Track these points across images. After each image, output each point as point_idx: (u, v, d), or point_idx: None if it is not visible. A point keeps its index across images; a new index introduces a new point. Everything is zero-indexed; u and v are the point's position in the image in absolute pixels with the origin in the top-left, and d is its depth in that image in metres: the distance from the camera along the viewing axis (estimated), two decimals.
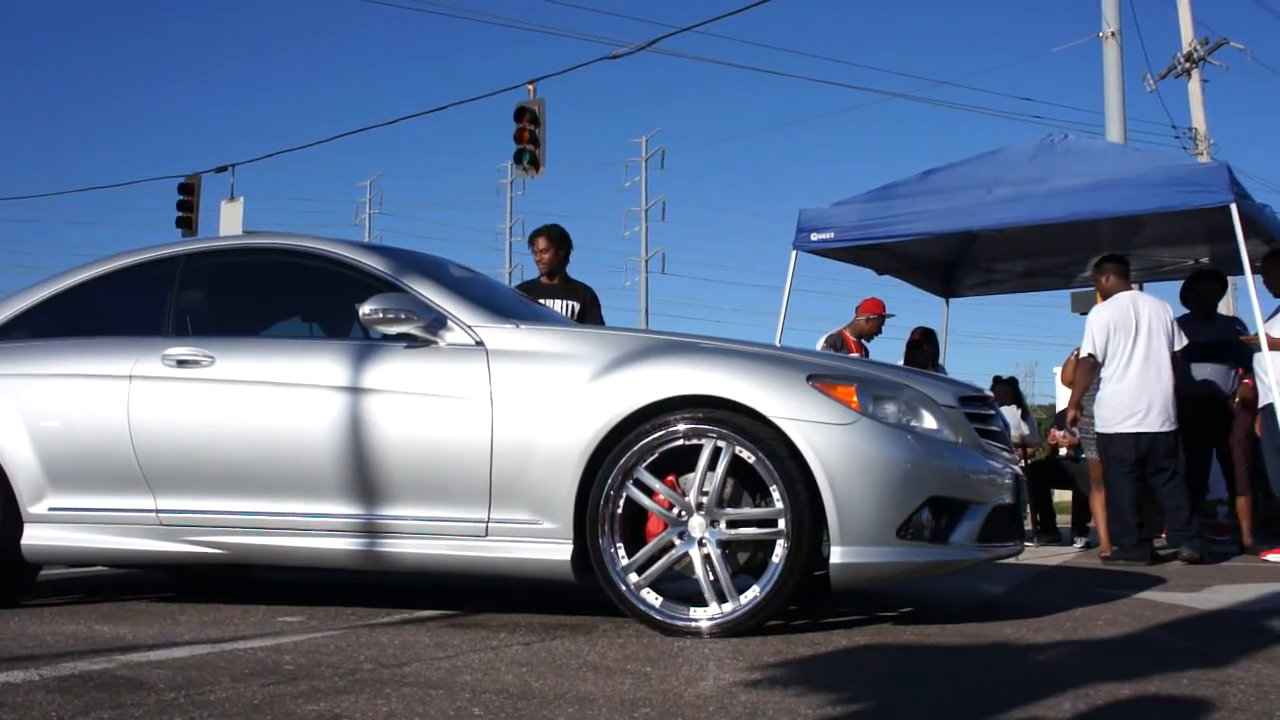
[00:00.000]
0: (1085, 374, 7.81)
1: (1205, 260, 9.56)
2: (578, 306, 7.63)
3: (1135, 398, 7.37)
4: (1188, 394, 7.72)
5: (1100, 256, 8.05)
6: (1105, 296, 7.77)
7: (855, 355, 8.61)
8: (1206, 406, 8.07)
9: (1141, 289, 13.28)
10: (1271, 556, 7.56)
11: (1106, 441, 7.56)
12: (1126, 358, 7.41)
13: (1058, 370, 16.41)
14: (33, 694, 2.94)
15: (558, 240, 7.89)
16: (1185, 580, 6.26)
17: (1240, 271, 7.59)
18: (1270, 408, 7.37)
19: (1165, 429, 7.35)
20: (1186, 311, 8.47)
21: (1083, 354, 7.74)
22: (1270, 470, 7.73)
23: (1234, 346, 7.96)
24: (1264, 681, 3.13)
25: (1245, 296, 8.34)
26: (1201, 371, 8.26)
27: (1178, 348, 7.46)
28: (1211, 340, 8.13)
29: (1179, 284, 8.89)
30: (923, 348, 10.18)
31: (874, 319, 9.69)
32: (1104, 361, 7.52)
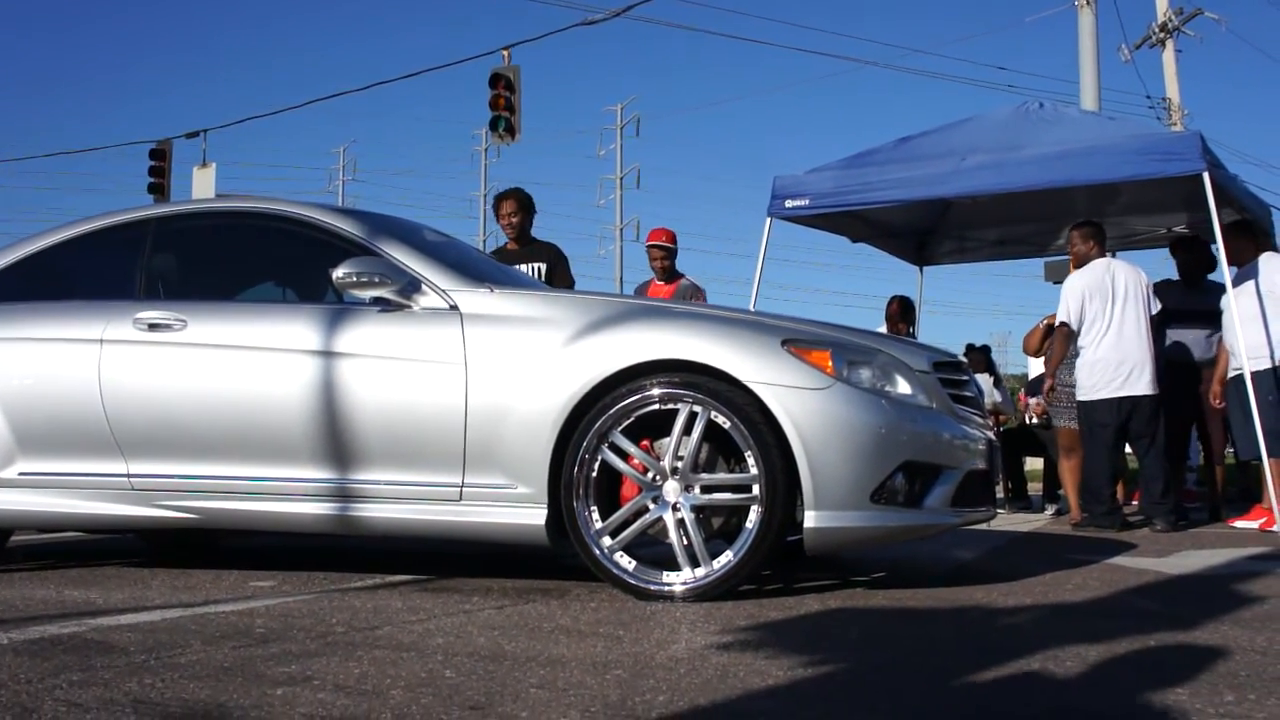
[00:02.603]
0: (1061, 343, 7.85)
1: (1182, 228, 9.57)
2: (544, 267, 7.55)
3: (1116, 363, 7.43)
4: (1168, 361, 7.77)
5: (1074, 223, 8.07)
6: (1079, 263, 7.80)
7: (655, 299, 7.85)
8: (1187, 374, 8.12)
9: (1115, 256, 13.41)
10: (1240, 523, 7.63)
11: (1088, 409, 7.60)
12: (1106, 324, 7.45)
13: None
14: (1, 657, 2.92)
15: (525, 203, 7.83)
16: (1154, 546, 6.32)
17: (1213, 240, 7.62)
18: (1239, 377, 7.41)
19: (1149, 392, 7.41)
20: (1171, 278, 8.56)
21: (1058, 322, 7.78)
22: (1237, 439, 7.79)
23: (1215, 314, 8.00)
24: (1230, 643, 3.16)
25: (1218, 264, 8.36)
26: (1183, 339, 8.31)
27: (1153, 313, 7.53)
28: (1193, 308, 8.17)
29: (1153, 252, 8.98)
30: (900, 317, 10.22)
31: (654, 249, 8.51)
32: (1080, 329, 7.57)
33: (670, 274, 8.39)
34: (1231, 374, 7.66)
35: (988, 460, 4.42)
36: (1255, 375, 7.20)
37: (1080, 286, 7.59)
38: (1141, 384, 7.38)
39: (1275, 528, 6.96)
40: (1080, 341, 7.62)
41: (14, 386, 4.87)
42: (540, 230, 7.94)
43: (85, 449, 4.76)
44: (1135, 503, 9.11)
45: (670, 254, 8.37)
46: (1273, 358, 7.43)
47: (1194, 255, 8.59)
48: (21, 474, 4.83)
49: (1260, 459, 7.32)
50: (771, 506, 3.90)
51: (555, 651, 3.00)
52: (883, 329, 10.07)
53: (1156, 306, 7.57)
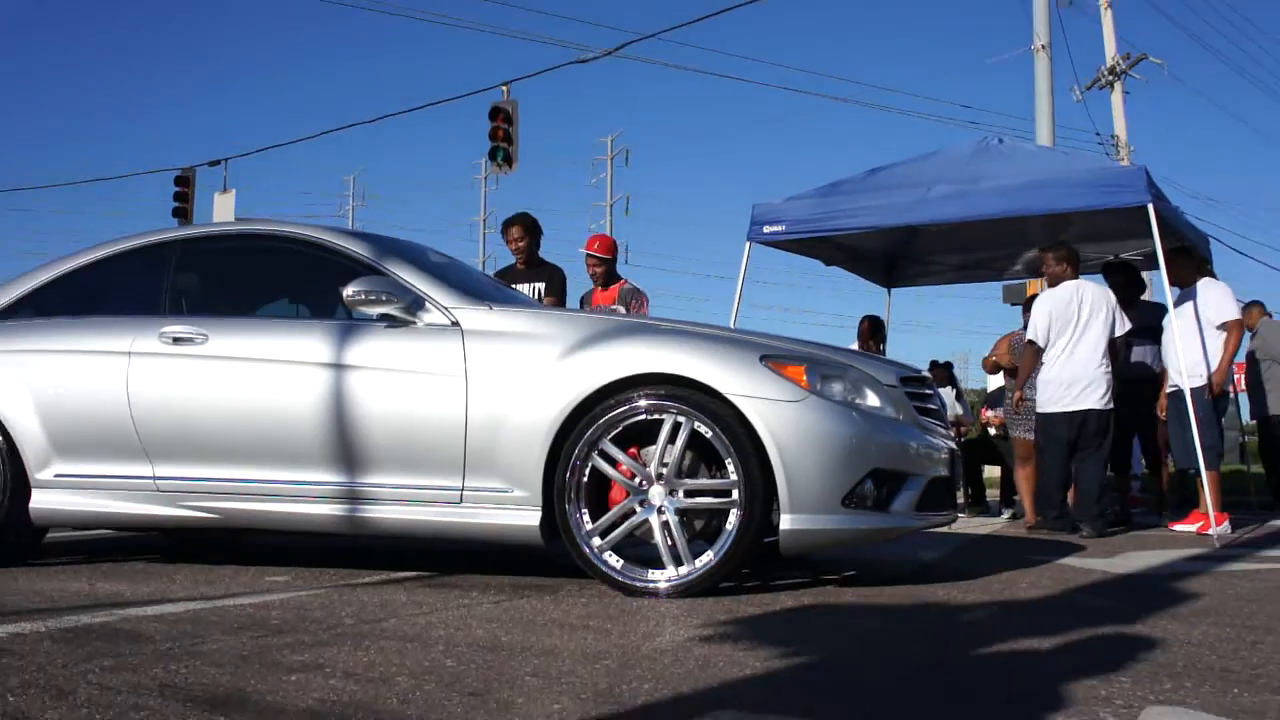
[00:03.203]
0: (1029, 359, 7.86)
1: (1135, 255, 9.61)
2: (542, 286, 7.50)
3: (1067, 383, 7.43)
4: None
5: (1049, 245, 8.06)
6: (1053, 283, 7.81)
7: (602, 305, 7.74)
8: (1130, 387, 8.14)
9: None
10: (1179, 527, 7.66)
11: (1044, 421, 7.62)
12: (1064, 345, 7.46)
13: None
14: (39, 644, 2.92)
15: (530, 227, 7.76)
16: (1102, 547, 6.34)
17: (1157, 266, 7.67)
18: (1178, 392, 7.46)
19: (1098, 407, 7.39)
20: None
21: (1027, 339, 7.81)
22: (1174, 449, 7.84)
23: (1157, 331, 8.06)
24: (1169, 636, 3.18)
25: (1161, 288, 8.42)
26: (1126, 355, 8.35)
27: (1120, 333, 7.50)
28: (1135, 325, 8.21)
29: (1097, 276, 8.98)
30: (871, 335, 10.26)
31: (588, 257, 7.95)
32: (1047, 347, 7.57)
33: (608, 279, 7.95)
34: (1170, 389, 7.72)
35: (950, 468, 4.44)
36: (1193, 391, 7.24)
37: (1047, 309, 7.61)
38: (1092, 399, 7.39)
39: (1210, 531, 7.00)
40: (1044, 359, 7.63)
41: (50, 395, 4.88)
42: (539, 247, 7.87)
43: (115, 453, 4.76)
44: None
45: (603, 262, 7.91)
46: (1208, 375, 7.48)
47: (1124, 278, 8.66)
48: (57, 475, 4.84)
49: (1195, 468, 7.37)
50: (750, 510, 3.91)
51: (548, 643, 3.01)
52: (855, 346, 10.10)
53: (1125, 326, 7.53)
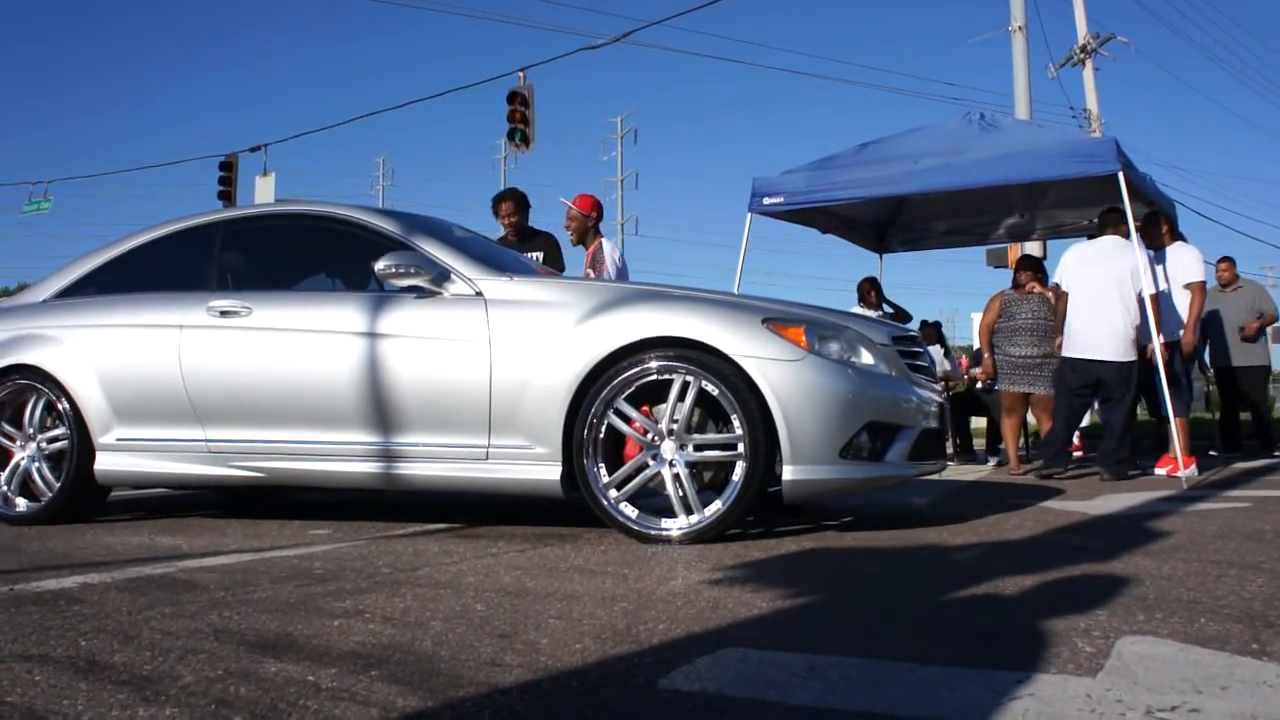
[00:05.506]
0: (1060, 302, 7.73)
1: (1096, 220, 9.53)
2: (541, 256, 7.19)
3: (1078, 330, 7.37)
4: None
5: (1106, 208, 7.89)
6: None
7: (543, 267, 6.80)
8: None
9: (1045, 245, 13.31)
10: (1158, 470, 7.64)
11: (1064, 364, 7.56)
12: (1090, 292, 7.36)
13: (975, 316, 16.45)
14: (106, 592, 2.94)
15: (521, 203, 7.51)
16: (1081, 491, 6.33)
17: (1127, 230, 7.60)
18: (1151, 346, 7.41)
19: (1115, 359, 7.28)
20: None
21: (1052, 283, 7.78)
22: (1162, 399, 7.81)
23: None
24: (1141, 572, 3.17)
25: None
26: None
27: (1149, 290, 7.23)
28: None
29: (1077, 240, 8.87)
30: (870, 289, 10.25)
31: (586, 212, 7.30)
32: (1069, 292, 7.49)
33: (581, 238, 7.31)
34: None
35: (939, 420, 4.43)
36: (1165, 346, 7.19)
37: (1071, 257, 7.56)
38: (1110, 350, 7.26)
39: (1179, 474, 6.98)
40: (1070, 305, 7.50)
41: (111, 365, 4.90)
42: (553, 226, 7.71)
43: (169, 418, 4.78)
44: (1077, 453, 9.12)
45: (574, 219, 7.28)
46: (1177, 332, 7.43)
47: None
48: (118, 439, 4.87)
49: (1165, 415, 7.34)
50: (754, 462, 3.91)
51: (570, 588, 3.02)
52: (857, 305, 10.08)
53: (1152, 288, 7.23)
